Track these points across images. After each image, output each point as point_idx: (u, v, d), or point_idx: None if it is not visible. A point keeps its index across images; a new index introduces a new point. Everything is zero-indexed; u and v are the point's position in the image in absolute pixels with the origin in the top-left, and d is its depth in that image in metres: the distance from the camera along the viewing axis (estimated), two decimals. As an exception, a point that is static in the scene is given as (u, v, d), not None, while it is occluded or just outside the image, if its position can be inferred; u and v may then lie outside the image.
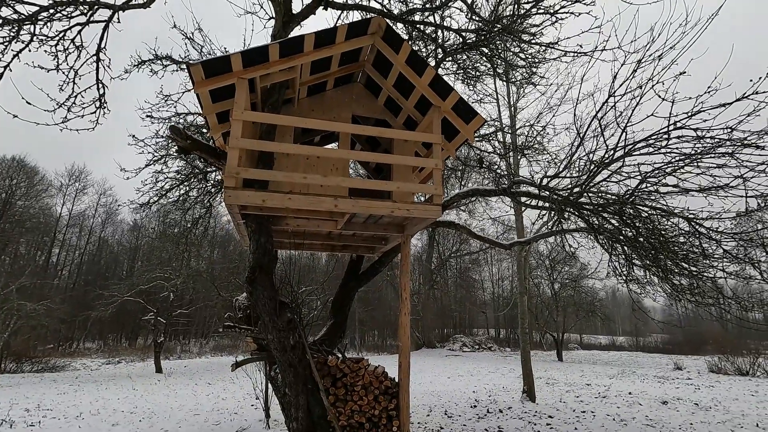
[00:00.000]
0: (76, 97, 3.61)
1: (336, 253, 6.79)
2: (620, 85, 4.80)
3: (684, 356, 25.07)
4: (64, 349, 26.78)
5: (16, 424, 7.30)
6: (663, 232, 4.76)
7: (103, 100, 3.78)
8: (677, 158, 4.62)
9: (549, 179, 5.61)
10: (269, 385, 6.31)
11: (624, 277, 5.40)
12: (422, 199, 6.97)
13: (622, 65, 4.82)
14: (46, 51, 3.47)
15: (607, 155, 5.03)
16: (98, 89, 3.66)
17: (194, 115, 6.92)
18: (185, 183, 7.73)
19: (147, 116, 6.46)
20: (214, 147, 4.77)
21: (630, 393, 10.68)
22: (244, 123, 4.18)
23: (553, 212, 5.85)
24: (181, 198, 7.89)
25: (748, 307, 5.19)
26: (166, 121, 6.71)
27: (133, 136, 6.79)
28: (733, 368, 16.09)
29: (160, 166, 7.28)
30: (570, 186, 5.44)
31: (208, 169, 7.23)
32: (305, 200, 3.94)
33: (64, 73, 3.51)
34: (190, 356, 26.19)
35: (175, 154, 6.82)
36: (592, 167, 5.11)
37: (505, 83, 10.79)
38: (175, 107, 6.83)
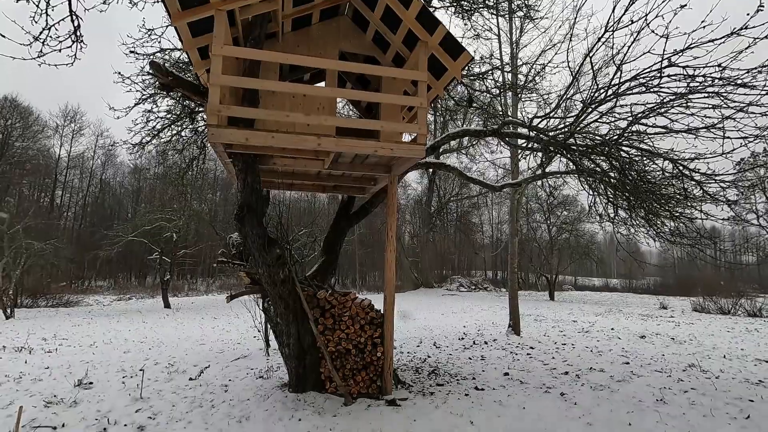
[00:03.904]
0: (50, 29, 3.52)
1: (327, 193, 6.88)
2: (617, 20, 4.61)
3: (673, 297, 25.94)
4: (77, 287, 27.95)
5: (35, 351, 7.86)
6: (645, 174, 4.80)
7: (78, 34, 3.67)
8: (668, 98, 4.55)
9: (540, 120, 5.55)
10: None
11: (607, 217, 5.52)
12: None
13: (621, -3, 4.59)
14: (13, -21, 3.32)
15: (598, 94, 4.94)
16: (72, 21, 3.55)
17: (180, 50, 6.70)
18: (177, 123, 7.66)
19: (130, 52, 6.26)
20: (197, 84, 4.71)
21: (612, 329, 11.26)
22: (227, 59, 4.09)
23: (542, 153, 5.85)
24: (173, 138, 7.86)
25: (724, 249, 5.35)
26: (152, 56, 6.51)
27: (119, 73, 6.62)
28: (715, 308, 16.76)
29: (149, 105, 7.16)
30: (560, 126, 5.40)
31: (199, 109, 7.13)
32: (289, 139, 3.97)
33: (34, 3, 3.40)
34: (198, 294, 27.39)
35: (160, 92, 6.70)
36: (582, 107, 5.04)
37: (506, 18, 10.26)
38: (159, 42, 6.62)
